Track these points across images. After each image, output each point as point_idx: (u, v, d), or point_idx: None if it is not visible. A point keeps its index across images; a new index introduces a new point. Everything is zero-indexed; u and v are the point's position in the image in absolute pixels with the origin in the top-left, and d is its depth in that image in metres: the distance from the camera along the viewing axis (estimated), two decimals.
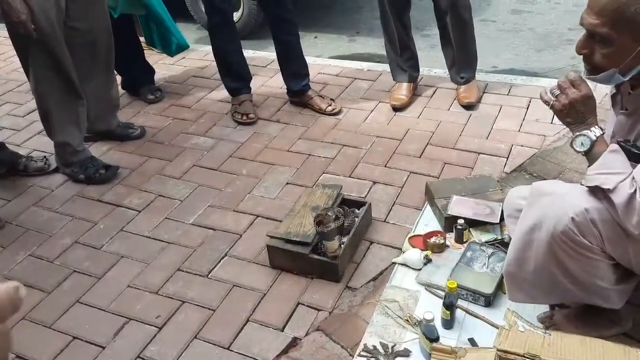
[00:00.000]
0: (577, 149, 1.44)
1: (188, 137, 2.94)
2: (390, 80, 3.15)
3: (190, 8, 4.47)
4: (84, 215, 2.43)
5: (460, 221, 2.06)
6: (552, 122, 2.74)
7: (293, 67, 3.00)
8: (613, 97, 1.55)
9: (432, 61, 3.47)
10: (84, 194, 2.56)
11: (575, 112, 1.42)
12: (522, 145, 2.61)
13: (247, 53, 3.69)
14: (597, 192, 1.37)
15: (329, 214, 1.98)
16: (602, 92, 2.20)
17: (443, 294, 1.81)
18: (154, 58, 3.77)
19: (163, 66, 3.72)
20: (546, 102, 1.47)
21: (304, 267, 2.01)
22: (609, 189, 1.32)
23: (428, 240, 2.05)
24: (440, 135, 2.75)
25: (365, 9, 4.78)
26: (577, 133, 1.43)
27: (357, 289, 1.96)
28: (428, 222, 2.21)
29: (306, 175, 2.55)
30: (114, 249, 2.23)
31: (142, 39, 3.39)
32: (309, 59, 3.34)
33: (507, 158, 2.54)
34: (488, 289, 1.82)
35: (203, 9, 3.51)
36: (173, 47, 3.22)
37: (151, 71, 3.38)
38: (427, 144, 2.69)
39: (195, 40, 4.30)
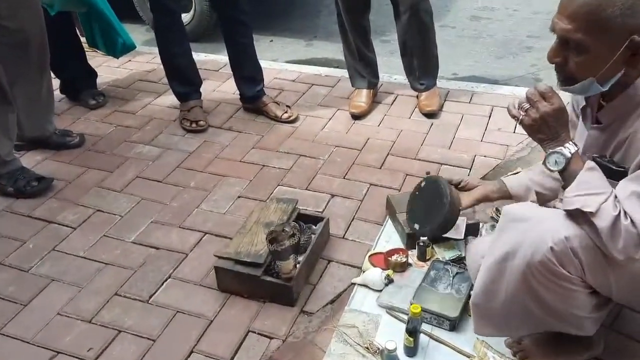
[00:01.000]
0: (551, 168, 1.32)
1: (132, 145, 2.72)
2: (349, 86, 3.02)
3: (138, 8, 4.23)
4: (10, 233, 2.18)
5: (423, 238, 1.93)
6: (514, 132, 2.66)
7: (246, 71, 2.82)
8: (583, 110, 1.44)
9: (391, 67, 3.36)
10: (13, 209, 2.32)
11: (547, 128, 1.30)
12: (485, 156, 2.51)
13: (198, 56, 3.50)
14: (577, 216, 1.25)
15: (284, 230, 1.81)
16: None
17: (406, 317, 1.67)
18: (98, 60, 3.53)
19: (107, 69, 3.47)
20: (514, 117, 1.34)
21: (255, 290, 1.84)
22: (591, 212, 1.21)
23: (389, 258, 1.91)
24: (402, 144, 2.62)
25: (323, 12, 4.65)
26: (550, 150, 1.31)
27: (313, 314, 1.80)
28: (389, 237, 2.08)
29: (260, 187, 2.38)
30: (44, 271, 2.00)
31: (83, 39, 3.14)
32: (264, 63, 3.17)
33: (470, 169, 2.43)
34: (453, 312, 1.69)
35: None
36: (118, 47, 2.98)
37: (93, 74, 3.14)
38: (388, 154, 2.56)
39: (143, 42, 4.08)
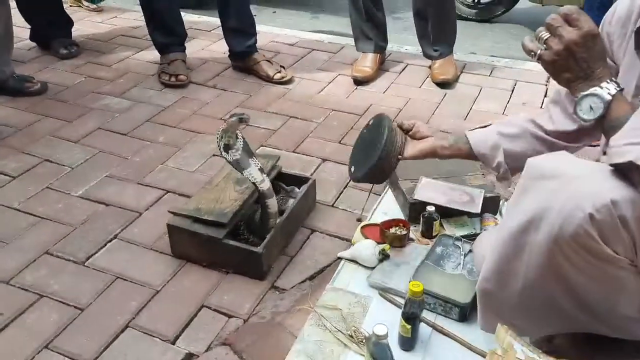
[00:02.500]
0: (585, 117, 0.98)
1: (99, 97, 2.37)
2: (354, 53, 2.67)
3: None
4: None
5: (430, 209, 1.56)
6: (542, 106, 2.29)
7: (235, 21, 2.46)
8: (637, 34, 1.06)
9: (402, 43, 3.00)
10: None
11: (574, 62, 0.97)
12: None
13: (190, 17, 3.19)
14: (630, 172, 0.88)
15: (242, 119, 1.35)
16: None
17: (402, 301, 1.29)
18: (80, 14, 3.21)
19: (88, 23, 3.14)
20: (532, 52, 1.01)
21: (217, 256, 1.47)
22: None
23: (386, 230, 1.54)
24: (409, 112, 2.26)
25: None
26: (582, 93, 0.97)
27: (287, 291, 1.43)
28: (388, 210, 1.70)
29: None
30: None
31: None
32: (262, 27, 2.84)
33: None
34: (464, 297, 1.32)
35: None
36: None
37: (68, 23, 2.80)
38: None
39: (136, 3, 3.74)
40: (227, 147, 1.38)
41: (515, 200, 1.01)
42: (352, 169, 1.43)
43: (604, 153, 1.08)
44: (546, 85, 2.43)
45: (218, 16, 2.54)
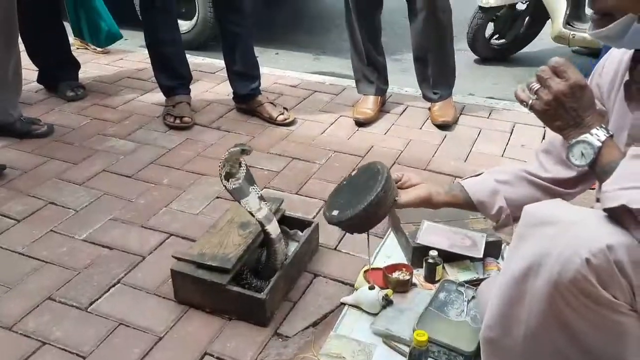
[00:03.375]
0: (577, 163, 1.01)
1: (105, 139, 2.40)
2: (355, 95, 2.72)
3: (137, 6, 3.99)
4: None
5: (433, 253, 1.57)
6: None
7: (240, 65, 2.52)
8: (626, 86, 1.10)
9: (402, 84, 3.05)
10: None
11: (564, 111, 1.01)
12: None
13: (195, 59, 3.25)
14: (624, 217, 0.90)
15: (244, 150, 1.37)
16: None
17: (407, 349, 1.29)
18: (86, 57, 3.27)
19: (95, 65, 3.20)
20: (523, 103, 1.05)
21: (220, 302, 1.47)
22: None
23: (389, 275, 1.54)
24: (410, 154, 2.29)
25: (332, 32, 4.41)
26: (574, 140, 1.01)
27: (290, 338, 1.42)
28: (391, 253, 1.71)
29: None
30: None
31: (68, 27, 2.88)
32: (265, 69, 2.90)
33: None
34: (468, 345, 1.31)
35: None
36: (102, 35, 2.71)
37: (75, 65, 2.86)
38: (395, 162, 2.22)
39: (141, 45, 3.82)
40: (229, 176, 1.39)
41: (514, 247, 1.03)
42: (336, 213, 1.28)
43: (597, 200, 1.10)
44: (544, 127, 2.46)
45: (222, 58, 2.60)
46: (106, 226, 1.84)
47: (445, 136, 2.44)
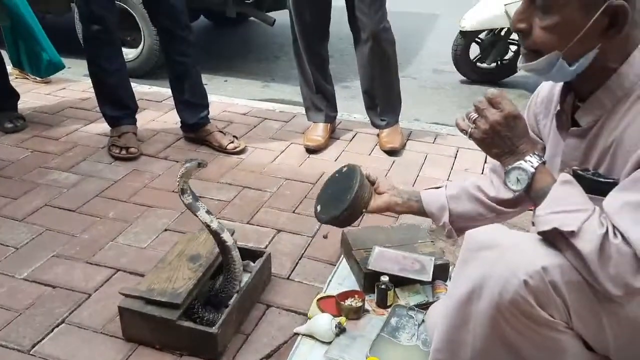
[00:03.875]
0: (513, 188, 1.08)
1: (46, 172, 2.32)
2: (305, 122, 2.75)
3: (80, 37, 3.91)
4: None
5: (384, 279, 1.59)
6: (482, 172, 2.41)
7: (187, 94, 2.50)
8: (558, 116, 1.17)
9: (351, 111, 3.11)
10: None
11: (500, 139, 1.08)
12: None
13: (141, 87, 3.21)
14: (556, 240, 0.97)
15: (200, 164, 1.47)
16: None
17: None
18: (26, 87, 3.17)
19: (35, 95, 3.11)
20: (463, 131, 1.13)
21: (171, 338, 1.43)
22: (572, 231, 0.93)
23: (342, 302, 1.55)
24: None
25: (281, 59, 4.46)
26: (509, 166, 1.08)
27: None
28: (343, 280, 1.72)
29: (192, 220, 1.94)
30: None
31: (5, 55, 2.79)
32: (213, 97, 2.89)
33: None
34: None
35: None
36: (43, 64, 2.64)
37: (13, 96, 2.76)
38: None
39: (85, 75, 3.74)
40: (182, 192, 1.44)
41: (458, 271, 1.08)
42: (319, 209, 1.60)
43: (533, 224, 1.16)
44: None
45: (169, 86, 2.58)
46: (49, 263, 1.76)
47: (393, 162, 2.50)
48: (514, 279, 0.95)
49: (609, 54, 0.98)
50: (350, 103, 3.41)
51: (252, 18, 4.97)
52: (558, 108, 1.15)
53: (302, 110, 2.80)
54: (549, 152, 1.20)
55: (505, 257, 0.98)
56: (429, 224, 2.01)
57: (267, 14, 4.04)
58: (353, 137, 2.74)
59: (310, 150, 2.56)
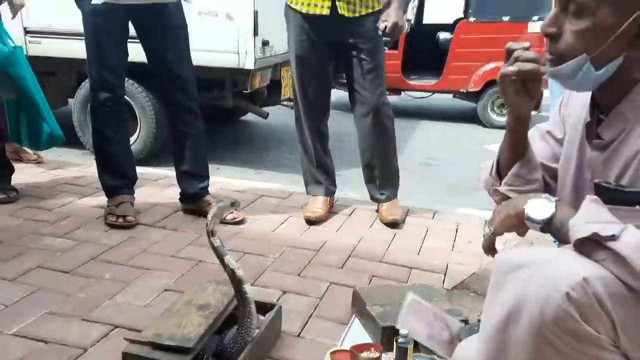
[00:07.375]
0: (536, 218, 1.06)
1: (39, 237, 2.23)
2: (304, 199, 2.76)
3: (77, 129, 3.97)
4: None
5: (403, 332, 1.50)
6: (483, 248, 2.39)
7: (189, 164, 2.50)
8: (588, 127, 1.16)
9: (346, 192, 3.13)
10: None
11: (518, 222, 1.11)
12: (459, 263, 2.20)
13: (138, 169, 3.20)
14: (594, 250, 0.93)
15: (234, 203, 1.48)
16: None
17: None
18: (20, 166, 3.14)
19: (29, 171, 3.08)
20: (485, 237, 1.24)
21: None
22: (612, 235, 0.90)
23: (358, 354, 1.45)
24: (365, 248, 2.29)
25: (273, 149, 4.56)
26: (532, 197, 1.08)
27: None
28: (357, 338, 1.62)
29: (193, 282, 1.89)
30: None
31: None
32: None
33: (445, 274, 2.09)
34: None
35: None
36: (43, 137, 2.62)
37: (8, 168, 2.73)
38: (350, 255, 2.20)
39: (78, 155, 3.75)
40: (212, 234, 1.39)
41: (491, 298, 1.01)
42: None
43: (558, 246, 1.13)
44: (487, 225, 2.57)
45: (162, 168, 2.57)
46: (42, 320, 1.64)
47: (395, 234, 2.48)
48: (556, 293, 0.89)
49: (634, 64, 1.03)
50: (344, 187, 3.44)
51: (242, 118, 5.19)
52: (588, 119, 1.16)
53: (299, 189, 2.81)
54: (575, 158, 1.19)
55: (543, 272, 0.93)
56: (441, 283, 1.97)
57: (262, 108, 4.22)
58: (352, 211, 2.74)
59: (311, 222, 2.53)
